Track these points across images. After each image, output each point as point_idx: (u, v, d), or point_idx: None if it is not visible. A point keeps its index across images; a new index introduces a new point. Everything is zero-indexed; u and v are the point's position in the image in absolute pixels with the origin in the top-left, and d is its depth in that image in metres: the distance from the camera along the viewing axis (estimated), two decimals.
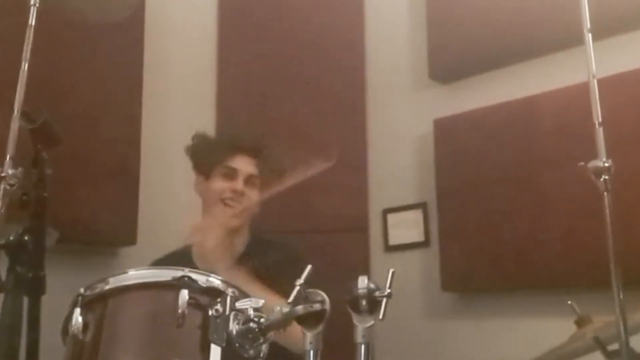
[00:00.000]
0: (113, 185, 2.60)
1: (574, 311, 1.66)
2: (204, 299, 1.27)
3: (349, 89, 3.05)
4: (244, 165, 2.11)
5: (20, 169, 1.42)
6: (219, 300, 1.26)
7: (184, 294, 1.24)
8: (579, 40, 1.55)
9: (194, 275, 1.29)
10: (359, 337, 1.23)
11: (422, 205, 2.81)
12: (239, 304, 1.26)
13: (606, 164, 1.45)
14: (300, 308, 1.21)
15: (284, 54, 3.08)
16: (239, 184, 2.08)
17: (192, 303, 1.25)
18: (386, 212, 2.91)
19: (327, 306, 1.23)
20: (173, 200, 2.84)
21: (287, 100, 3.03)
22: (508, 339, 2.45)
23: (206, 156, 2.15)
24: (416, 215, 2.82)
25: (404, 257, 2.83)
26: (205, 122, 3.07)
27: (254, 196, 2.11)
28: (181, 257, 2.03)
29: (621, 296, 1.39)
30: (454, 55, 2.78)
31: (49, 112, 1.50)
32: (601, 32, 1.70)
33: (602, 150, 1.47)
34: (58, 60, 2.42)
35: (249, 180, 2.10)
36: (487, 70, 2.70)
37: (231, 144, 2.15)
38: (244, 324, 1.23)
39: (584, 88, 1.52)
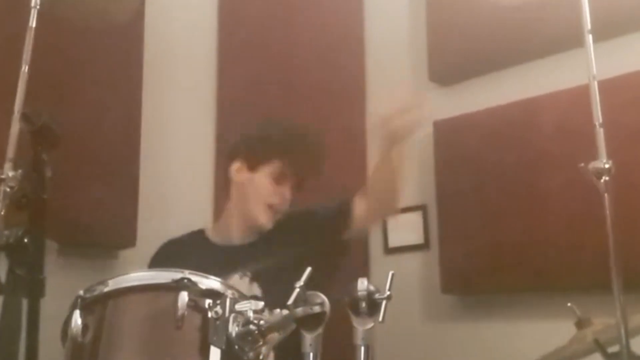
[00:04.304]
0: (113, 187, 2.59)
1: (574, 313, 1.65)
2: (203, 301, 1.27)
3: (349, 90, 3.05)
4: (295, 170, 2.02)
5: (19, 171, 1.42)
6: (218, 302, 1.26)
7: (184, 296, 1.24)
8: (580, 42, 1.55)
9: (194, 277, 1.28)
10: (358, 340, 1.23)
11: (421, 208, 2.81)
12: (238, 306, 1.25)
13: (607, 165, 1.45)
14: (299, 310, 1.21)
15: (284, 54, 3.08)
16: (287, 192, 2.02)
17: (192, 305, 1.25)
18: None
19: (327, 308, 1.23)
20: (173, 202, 2.84)
21: (287, 101, 3.02)
22: (508, 341, 2.44)
23: (261, 149, 2.04)
24: (416, 218, 2.81)
25: (403, 259, 2.82)
26: (206, 122, 3.08)
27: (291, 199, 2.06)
28: (196, 238, 2.10)
29: (622, 299, 1.39)
30: (453, 57, 2.78)
31: (48, 113, 1.50)
32: (602, 33, 1.69)
33: (602, 152, 1.47)
34: (58, 61, 2.42)
35: (296, 186, 2.04)
36: (487, 72, 2.70)
37: (291, 143, 2.04)
38: (243, 326, 1.23)
39: (585, 90, 1.52)
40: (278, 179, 2.02)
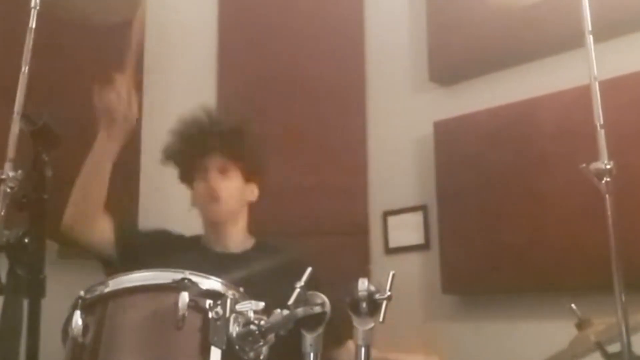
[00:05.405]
0: (113, 187, 2.58)
1: (575, 314, 1.65)
2: (204, 301, 1.27)
3: (349, 91, 3.05)
4: (212, 161, 2.05)
5: (20, 171, 1.42)
6: (219, 302, 1.26)
7: (184, 296, 1.24)
8: (580, 42, 1.55)
9: (194, 278, 1.28)
10: (359, 340, 1.23)
11: (422, 208, 2.81)
12: (239, 307, 1.25)
13: (608, 166, 1.45)
14: (300, 310, 1.21)
15: (284, 55, 3.08)
16: (211, 179, 2.03)
17: (193, 305, 1.25)
18: (386, 214, 2.90)
19: (327, 309, 1.23)
20: (173, 202, 2.83)
21: (288, 102, 3.02)
22: (509, 341, 2.44)
23: (181, 164, 2.13)
24: (416, 218, 2.81)
25: (404, 259, 2.82)
26: None
27: (230, 187, 2.06)
28: (190, 240, 2.12)
29: (623, 299, 1.39)
30: (454, 57, 2.78)
31: (49, 114, 1.50)
32: (602, 34, 1.69)
33: (603, 152, 1.47)
34: (58, 61, 2.41)
35: (221, 172, 2.05)
36: (488, 72, 2.70)
37: (193, 142, 2.09)
38: (244, 326, 1.23)
39: (586, 90, 1.52)
40: (203, 177, 2.06)
